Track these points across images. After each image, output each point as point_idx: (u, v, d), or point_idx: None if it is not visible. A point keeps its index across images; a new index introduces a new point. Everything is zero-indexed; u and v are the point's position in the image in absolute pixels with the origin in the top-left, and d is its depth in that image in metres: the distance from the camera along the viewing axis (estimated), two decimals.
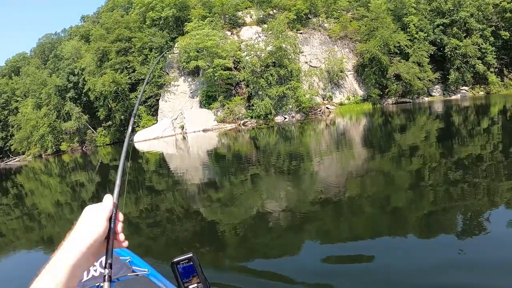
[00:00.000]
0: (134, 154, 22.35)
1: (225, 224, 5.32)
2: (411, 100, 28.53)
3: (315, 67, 27.78)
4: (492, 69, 31.23)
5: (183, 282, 1.20)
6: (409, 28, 29.26)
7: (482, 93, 30.58)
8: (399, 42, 27.74)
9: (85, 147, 32.72)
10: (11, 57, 43.05)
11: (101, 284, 1.89)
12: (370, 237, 3.96)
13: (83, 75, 30.90)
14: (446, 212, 4.39)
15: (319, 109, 26.36)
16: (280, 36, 25.83)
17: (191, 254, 1.20)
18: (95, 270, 2.28)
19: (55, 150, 33.31)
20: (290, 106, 25.59)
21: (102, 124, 30.85)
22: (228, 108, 25.71)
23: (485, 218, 3.99)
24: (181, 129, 26.56)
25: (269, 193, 6.87)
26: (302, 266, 3.49)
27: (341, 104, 27.39)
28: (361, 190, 5.99)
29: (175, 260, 1.18)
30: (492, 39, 30.55)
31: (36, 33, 64.16)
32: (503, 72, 32.43)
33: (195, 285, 1.19)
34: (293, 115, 25.78)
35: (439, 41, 30.19)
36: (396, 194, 5.57)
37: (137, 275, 2.31)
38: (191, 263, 1.20)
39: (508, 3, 30.61)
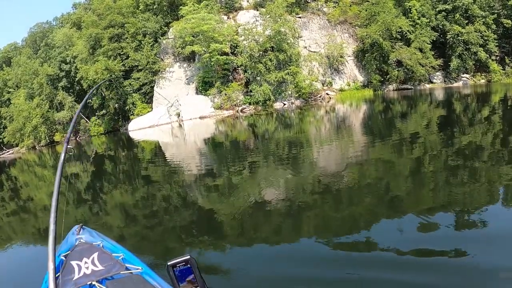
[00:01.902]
0: (128, 143, 21.43)
1: (223, 214, 5.03)
2: (412, 87, 27.33)
3: (315, 52, 26.37)
4: (493, 57, 30.26)
5: (179, 286, 1.16)
6: (411, 13, 27.92)
7: (483, 81, 29.50)
8: (401, 28, 26.42)
9: (79, 137, 31.22)
10: (2, 48, 41.25)
11: (93, 283, 1.97)
12: (369, 225, 3.84)
13: (75, 63, 29.23)
14: (446, 200, 4.25)
15: (319, 95, 25.02)
16: (279, 20, 24.36)
17: (189, 256, 1.21)
18: (87, 268, 2.17)
19: (48, 141, 31.76)
20: (290, 92, 24.22)
21: (96, 113, 29.32)
22: (226, 95, 24.28)
23: (484, 208, 3.85)
24: (177, 117, 25.14)
25: (268, 181, 6.54)
26: (301, 255, 3.40)
27: (341, 90, 26.08)
28: (360, 178, 5.78)
29: (171, 262, 1.17)
30: (494, 26, 29.36)
31: (27, 23, 61.64)
32: (504, 61, 31.31)
33: None
34: (293, 101, 24.41)
35: (441, 27, 28.93)
36: (396, 182, 5.36)
37: (131, 273, 2.17)
38: (189, 265, 1.20)
39: None
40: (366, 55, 26.57)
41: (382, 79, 26.74)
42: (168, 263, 1.16)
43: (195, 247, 4.07)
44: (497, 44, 29.33)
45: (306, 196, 5.26)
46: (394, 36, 26.21)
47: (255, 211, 4.97)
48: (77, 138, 31.09)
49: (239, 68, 25.06)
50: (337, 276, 2.91)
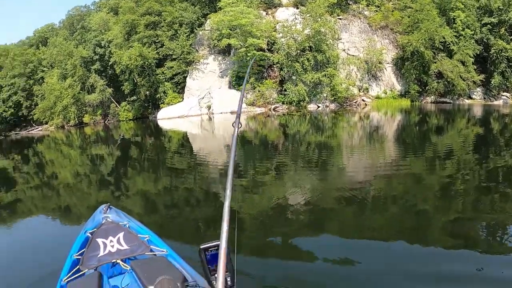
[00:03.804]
0: (156, 131, 21.11)
1: (244, 212, 4.81)
2: (451, 101, 25.42)
3: (353, 55, 24.77)
4: None
5: (209, 270, 1.17)
6: (455, 23, 25.93)
7: None
8: (444, 38, 24.52)
9: (108, 120, 30.66)
10: (39, 28, 41.15)
11: (118, 261, 2.07)
12: (387, 241, 3.60)
13: (109, 47, 28.54)
14: (472, 224, 3.94)
15: (354, 101, 23.46)
16: (319, 19, 22.87)
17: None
18: (112, 246, 2.13)
19: (77, 122, 31.29)
20: (325, 95, 22.75)
21: (127, 99, 28.60)
22: (259, 91, 23.03)
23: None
24: (208, 109, 24.11)
25: (293, 184, 6.29)
26: (317, 261, 3.22)
27: (377, 97, 24.41)
28: (387, 190, 5.53)
29: (204, 246, 1.20)
30: None
31: (66, 6, 62.38)
32: None
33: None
34: (327, 104, 22.95)
35: (485, 41, 26.81)
36: (422, 198, 5.02)
37: (155, 254, 2.14)
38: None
39: None
40: (406, 63, 24.78)
41: (420, 90, 24.94)
42: (201, 247, 1.17)
43: (206, 240, 3.28)
44: None
45: (329, 202, 5.03)
46: (437, 46, 24.35)
47: (277, 212, 4.78)
48: (105, 122, 30.59)
49: (274, 66, 23.75)
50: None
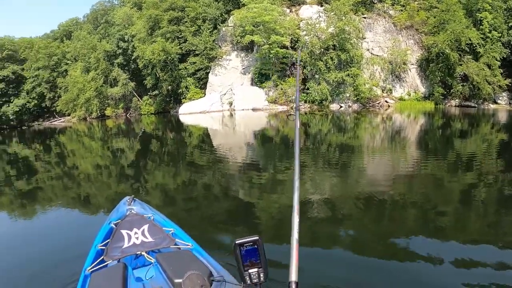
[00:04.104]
0: (177, 126, 21.30)
1: (262, 210, 4.85)
2: (476, 105, 24.78)
3: (377, 55, 24.42)
4: None
5: (243, 265, 1.13)
6: (482, 25, 25.18)
7: None
8: (470, 39, 23.86)
9: (130, 114, 31.14)
10: (64, 22, 42.03)
11: (142, 253, 2.03)
12: (407, 247, 3.47)
13: (132, 42, 28.92)
14: (490, 242, 3.66)
15: (377, 101, 23.16)
16: (344, 18, 22.62)
17: (257, 237, 1.18)
18: (137, 238, 2.11)
19: (99, 114, 31.92)
20: (348, 95, 22.53)
21: (149, 93, 28.97)
22: (281, 89, 22.97)
23: None
24: (229, 106, 24.20)
25: (312, 184, 6.16)
26: (331, 263, 3.18)
27: (401, 99, 24.00)
28: (407, 193, 5.46)
29: (239, 241, 1.16)
30: None
31: (90, 1, 63.18)
32: None
33: (255, 269, 1.16)
34: (350, 104, 22.72)
35: None
36: (442, 205, 4.90)
37: (180, 248, 2.11)
38: (256, 246, 1.17)
39: None
40: (430, 65, 24.24)
41: (444, 93, 24.38)
42: (236, 242, 1.14)
43: (229, 236, 3.84)
44: None
45: (347, 204, 4.97)
46: (463, 48, 23.73)
47: (290, 212, 4.17)
48: (127, 115, 31.09)
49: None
50: None
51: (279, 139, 12.86)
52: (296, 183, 1.43)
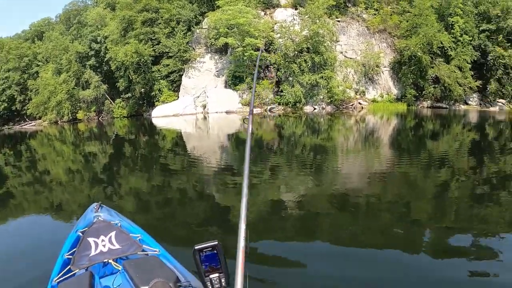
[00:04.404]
0: (150, 129, 20.94)
1: (237, 213, 3.52)
2: (447, 106, 25.41)
3: (351, 58, 24.66)
4: None
5: (204, 271, 1.12)
6: (454, 29, 25.91)
7: None
8: (442, 43, 24.48)
9: (102, 117, 30.27)
10: (36, 22, 40.62)
11: (110, 261, 2.03)
12: (380, 248, 3.53)
13: (105, 43, 28.17)
14: (464, 230, 3.99)
15: (351, 103, 23.36)
16: (318, 21, 22.76)
17: (216, 242, 1.16)
18: (104, 245, 2.11)
19: (71, 117, 30.83)
20: (321, 97, 22.62)
21: (121, 96, 28.23)
22: (255, 91, 22.87)
23: (503, 243, 3.53)
24: (203, 108, 23.86)
25: (287, 186, 6.28)
26: (308, 264, 3.20)
27: (373, 100, 24.32)
28: (381, 193, 5.54)
29: (198, 247, 1.15)
30: None
31: (63, 1, 61.09)
32: None
33: (216, 275, 1.15)
34: (324, 106, 22.81)
35: (483, 47, 26.83)
36: (415, 204, 5.07)
37: (147, 254, 2.11)
38: (215, 251, 1.16)
39: None
40: (403, 67, 24.71)
41: (416, 94, 24.87)
42: (195, 247, 1.14)
43: (199, 241, 3.24)
44: None
45: (323, 205, 5.01)
46: (435, 51, 24.30)
47: (269, 214, 4.79)
48: (99, 118, 30.20)
49: (271, 66, 23.57)
50: None
51: (253, 142, 12.88)
52: (245, 189, 1.40)
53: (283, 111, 22.34)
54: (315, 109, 22.87)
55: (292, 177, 6.82)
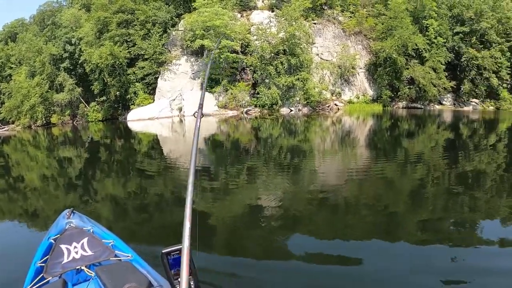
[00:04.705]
0: (126, 133, 20.66)
1: (215, 216, 4.81)
2: (422, 107, 26.01)
3: (327, 60, 24.92)
4: (504, 85, 29.14)
5: (172, 274, 1.18)
6: (428, 31, 26.60)
7: (492, 107, 28.31)
8: (417, 45, 25.09)
9: (76, 121, 29.53)
10: (9, 23, 39.33)
11: (82, 268, 2.06)
12: (361, 240, 3.71)
13: (80, 45, 27.53)
14: (441, 222, 4.16)
15: (327, 105, 23.57)
16: (294, 23, 22.90)
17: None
18: (76, 252, 2.12)
19: (45, 122, 29.96)
20: (298, 98, 22.73)
21: (96, 99, 27.63)
22: (231, 94, 22.73)
23: (480, 232, 3.82)
24: (179, 111, 23.60)
25: (265, 188, 6.29)
26: (290, 263, 3.27)
27: (349, 102, 24.65)
28: (358, 192, 5.66)
29: (165, 250, 1.21)
30: (508, 54, 28.20)
31: (38, 1, 58.97)
32: None
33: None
34: (300, 108, 22.93)
35: (457, 49, 27.66)
36: (393, 200, 5.23)
37: (120, 260, 2.15)
38: None
39: None
40: (378, 69, 25.15)
41: (392, 95, 25.36)
42: (163, 251, 1.16)
43: (172, 244, 3.33)
44: (509, 72, 28.18)
45: (301, 207, 5.01)
46: (409, 53, 24.86)
47: (247, 217, 4.78)
48: (74, 122, 29.46)
49: (247, 68, 23.54)
50: None
51: (230, 144, 12.90)
52: (190, 187, 1.40)
53: (259, 113, 22.33)
54: (291, 110, 22.96)
55: (269, 178, 6.87)
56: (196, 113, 1.94)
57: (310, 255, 3.40)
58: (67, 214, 2.57)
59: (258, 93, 22.76)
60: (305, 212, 4.79)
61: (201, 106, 2.02)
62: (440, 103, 27.49)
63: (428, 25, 26.77)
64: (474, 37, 27.91)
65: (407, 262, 3.19)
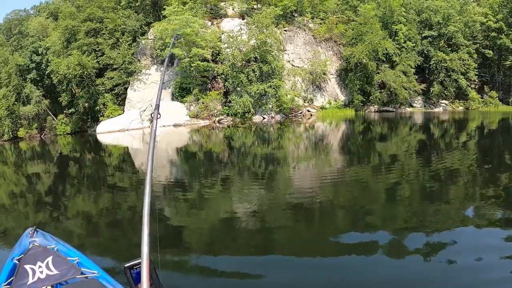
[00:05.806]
0: (96, 146, 20.17)
1: (190, 228, 4.85)
2: (394, 110, 26.72)
3: (298, 67, 25.24)
4: (472, 86, 30.43)
5: None
6: (398, 36, 27.44)
7: (461, 108, 29.48)
8: (387, 50, 25.80)
9: (44, 135, 28.60)
10: None
11: (48, 287, 2.02)
12: (337, 247, 3.81)
13: (47, 55, 26.78)
14: (417, 223, 4.32)
15: (300, 111, 23.82)
16: (265, 30, 23.10)
17: None
18: (41, 272, 2.11)
19: (12, 136, 28.85)
20: (270, 106, 22.85)
21: (64, 111, 26.89)
22: (203, 103, 22.61)
23: (454, 232, 3.96)
24: (150, 122, 23.28)
25: (240, 196, 6.39)
26: (267, 273, 3.29)
27: (322, 107, 25.00)
28: (334, 198, 5.72)
29: (128, 264, 1.26)
30: (475, 56, 29.50)
31: (4, 9, 56.71)
32: (483, 89, 31.65)
33: None
34: (273, 115, 23.04)
35: (426, 52, 28.68)
36: (369, 204, 5.29)
37: (87, 277, 2.15)
38: None
39: (494, 22, 29.66)
40: (349, 74, 25.68)
41: (364, 100, 25.92)
42: (125, 265, 1.18)
43: (157, 258, 3.39)
44: (477, 73, 29.44)
45: (277, 214, 5.06)
46: (380, 57, 25.53)
47: (223, 227, 4.80)
48: (42, 136, 28.52)
49: (219, 77, 23.52)
50: None
51: (203, 154, 12.89)
52: (147, 188, 1.38)
53: (232, 122, 22.31)
54: (264, 118, 23.05)
55: (244, 189, 6.86)
56: (153, 114, 1.92)
57: (285, 267, 3.40)
58: (30, 232, 2.52)
59: (230, 102, 22.75)
60: (281, 220, 4.80)
61: (157, 106, 2.00)
62: (411, 106, 28.33)
63: (397, 30, 27.61)
64: (442, 41, 29.06)
65: (382, 267, 3.30)
